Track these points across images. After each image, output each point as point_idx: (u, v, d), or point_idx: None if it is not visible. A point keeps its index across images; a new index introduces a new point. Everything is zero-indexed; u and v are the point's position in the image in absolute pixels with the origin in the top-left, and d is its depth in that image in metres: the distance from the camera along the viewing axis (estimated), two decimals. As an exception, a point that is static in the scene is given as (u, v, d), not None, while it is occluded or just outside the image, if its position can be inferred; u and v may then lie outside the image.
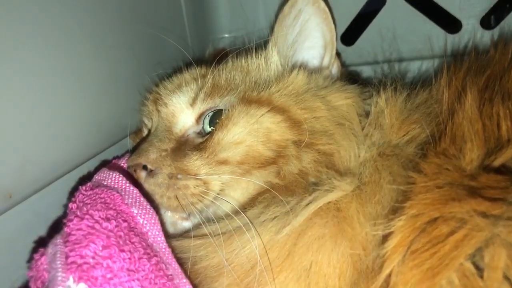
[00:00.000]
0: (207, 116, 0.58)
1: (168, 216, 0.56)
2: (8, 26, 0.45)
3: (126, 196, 0.50)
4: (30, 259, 0.45)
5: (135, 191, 0.51)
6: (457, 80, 0.55)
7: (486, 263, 0.39)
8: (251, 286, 0.47)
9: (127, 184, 0.52)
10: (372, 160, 0.52)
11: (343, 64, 0.77)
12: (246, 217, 0.50)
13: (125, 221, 0.46)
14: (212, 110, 0.58)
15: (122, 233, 0.44)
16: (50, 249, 0.42)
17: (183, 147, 0.56)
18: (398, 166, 0.50)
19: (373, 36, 0.82)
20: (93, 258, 0.40)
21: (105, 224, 0.44)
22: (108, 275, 0.39)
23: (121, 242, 0.43)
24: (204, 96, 0.58)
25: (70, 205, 0.49)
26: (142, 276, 0.42)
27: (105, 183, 0.52)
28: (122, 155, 0.64)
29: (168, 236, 0.52)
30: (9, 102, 0.46)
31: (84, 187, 0.51)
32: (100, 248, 0.41)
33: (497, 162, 0.44)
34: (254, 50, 0.65)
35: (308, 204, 0.49)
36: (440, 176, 0.45)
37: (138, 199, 0.50)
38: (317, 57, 0.66)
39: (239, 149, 0.53)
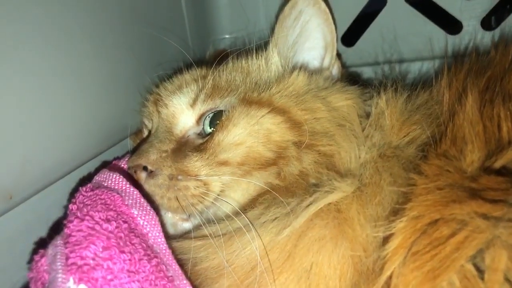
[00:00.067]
0: (208, 117, 0.58)
1: (169, 217, 0.56)
2: (8, 26, 0.45)
3: (127, 197, 0.50)
4: (31, 260, 0.45)
5: (135, 192, 0.51)
6: (458, 81, 0.55)
7: (487, 265, 0.39)
8: (251, 288, 0.47)
9: (128, 185, 0.52)
10: (373, 161, 0.52)
11: (343, 65, 0.77)
12: (247, 218, 0.50)
13: (125, 222, 0.46)
14: (213, 111, 0.58)
15: (122, 234, 0.44)
16: (50, 250, 0.42)
17: (184, 148, 0.56)
18: (398, 168, 0.50)
19: (373, 37, 0.82)
20: (93, 259, 0.40)
21: (105, 225, 0.44)
22: (109, 277, 0.39)
23: (121, 244, 0.43)
24: (205, 97, 0.58)
25: (70, 206, 0.49)
26: (142, 278, 0.42)
27: (106, 184, 0.52)
28: (123, 156, 0.64)
29: (168, 237, 0.52)
30: (9, 102, 0.46)
31: (84, 188, 0.51)
32: (101, 250, 0.41)
33: (497, 164, 0.44)
34: (254, 51, 0.65)
35: (308, 205, 0.48)
36: (441, 177, 0.45)
37: (138, 200, 0.50)
38: (317, 58, 0.66)
39: (239, 150, 0.53)
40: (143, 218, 0.48)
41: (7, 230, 0.47)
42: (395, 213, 0.46)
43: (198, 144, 0.56)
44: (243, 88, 0.59)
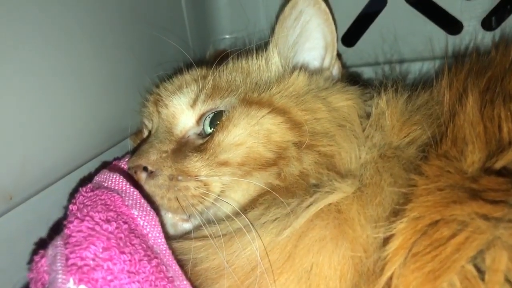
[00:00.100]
0: (208, 117, 0.58)
1: (169, 217, 0.56)
2: (8, 26, 0.45)
3: (127, 198, 0.50)
4: (31, 261, 0.45)
5: (135, 193, 0.51)
6: (458, 81, 0.55)
7: (488, 266, 0.39)
8: (251, 288, 0.47)
9: (128, 186, 0.51)
10: (373, 162, 0.52)
11: (344, 65, 0.77)
12: (247, 218, 0.50)
13: (125, 222, 0.46)
14: (213, 111, 0.58)
15: (122, 235, 0.44)
16: (50, 251, 0.42)
17: (184, 148, 0.56)
18: (399, 168, 0.50)
19: (374, 37, 0.82)
20: (93, 260, 0.40)
21: (105, 226, 0.44)
22: (109, 277, 0.39)
23: (121, 244, 0.43)
24: (205, 97, 0.58)
25: (70, 206, 0.49)
26: (142, 278, 0.42)
27: (106, 185, 0.52)
28: (123, 157, 0.64)
29: (168, 238, 0.52)
30: (9, 103, 0.46)
31: (84, 189, 0.51)
32: (101, 250, 0.41)
33: (498, 165, 0.44)
34: (254, 51, 0.65)
35: (309, 205, 0.48)
36: (442, 178, 0.45)
37: (138, 201, 0.50)
38: (318, 58, 0.66)
39: (239, 151, 0.53)
40: (143, 218, 0.48)
41: (7, 230, 0.47)
42: (396, 213, 0.46)
43: (198, 145, 0.56)
44: (243, 89, 0.59)
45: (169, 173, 0.53)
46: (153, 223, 0.49)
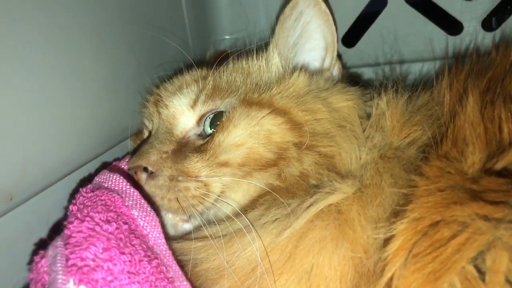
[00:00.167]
0: (208, 118, 0.58)
1: (169, 218, 0.56)
2: (8, 26, 0.45)
3: (127, 198, 0.50)
4: (31, 261, 0.45)
5: (135, 193, 0.51)
6: (459, 82, 0.55)
7: (488, 267, 0.39)
8: (251, 289, 0.47)
9: (128, 186, 0.51)
10: (373, 163, 0.52)
11: (344, 66, 0.77)
12: (247, 219, 0.50)
13: (125, 223, 0.46)
14: (213, 112, 0.58)
15: (122, 236, 0.44)
16: (50, 251, 0.42)
17: (184, 149, 0.56)
18: (399, 169, 0.50)
19: (374, 38, 0.82)
20: (93, 260, 0.40)
21: (105, 226, 0.44)
22: (109, 278, 0.39)
23: (121, 245, 0.43)
24: (205, 98, 0.58)
25: (70, 207, 0.49)
26: (142, 279, 0.42)
27: (106, 185, 0.52)
28: (123, 157, 0.64)
29: (168, 238, 0.52)
30: (9, 103, 0.46)
31: (84, 189, 0.51)
32: (101, 251, 0.41)
33: (498, 165, 0.44)
34: (255, 52, 0.65)
35: (309, 206, 0.48)
36: (442, 179, 0.45)
37: (138, 201, 0.50)
38: (318, 59, 0.66)
39: (240, 151, 0.53)
40: (143, 219, 0.48)
41: (7, 231, 0.47)
42: (396, 214, 0.46)
43: (199, 145, 0.56)
44: (243, 89, 0.59)
45: (169, 173, 0.53)
46: (153, 223, 0.49)
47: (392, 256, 0.43)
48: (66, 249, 0.41)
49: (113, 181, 0.52)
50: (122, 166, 0.60)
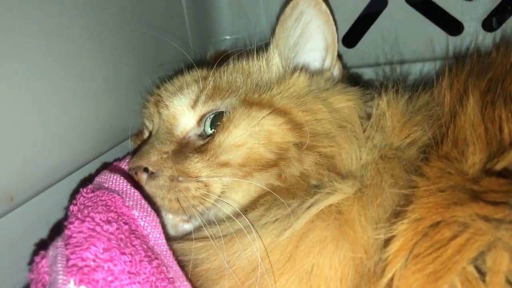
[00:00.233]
0: (208, 118, 0.58)
1: (169, 218, 0.56)
2: (9, 26, 0.45)
3: (127, 199, 0.50)
4: (31, 262, 0.45)
5: (136, 194, 0.51)
6: (459, 82, 0.55)
7: (488, 267, 0.39)
8: (252, 289, 0.47)
9: (128, 187, 0.51)
10: (374, 163, 0.52)
11: (344, 66, 0.77)
12: (247, 219, 0.50)
13: (126, 223, 0.46)
14: (213, 112, 0.58)
15: (123, 236, 0.44)
16: (51, 252, 0.42)
17: (184, 149, 0.56)
18: (400, 169, 0.50)
19: (374, 38, 0.82)
20: (94, 261, 0.40)
21: (106, 226, 0.44)
22: (109, 278, 0.39)
23: (122, 245, 0.43)
24: (205, 98, 0.58)
25: (71, 207, 0.49)
26: (143, 279, 0.42)
27: (106, 186, 0.52)
28: (123, 157, 0.64)
29: (169, 239, 0.52)
30: (10, 103, 0.46)
31: (85, 190, 0.51)
32: (101, 251, 0.41)
33: (499, 166, 0.44)
34: (255, 52, 0.65)
35: (309, 206, 0.48)
36: (443, 180, 0.45)
37: (139, 202, 0.50)
38: (318, 59, 0.66)
39: (240, 152, 0.53)
40: (144, 219, 0.48)
41: (7, 231, 0.47)
42: (397, 215, 0.46)
43: (199, 145, 0.56)
44: (244, 89, 0.59)
45: (170, 174, 0.53)
46: (154, 224, 0.49)
47: (393, 256, 0.43)
48: (67, 249, 0.41)
49: (114, 181, 0.52)
50: (123, 166, 0.60)
